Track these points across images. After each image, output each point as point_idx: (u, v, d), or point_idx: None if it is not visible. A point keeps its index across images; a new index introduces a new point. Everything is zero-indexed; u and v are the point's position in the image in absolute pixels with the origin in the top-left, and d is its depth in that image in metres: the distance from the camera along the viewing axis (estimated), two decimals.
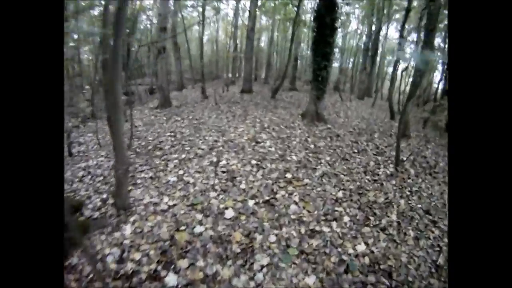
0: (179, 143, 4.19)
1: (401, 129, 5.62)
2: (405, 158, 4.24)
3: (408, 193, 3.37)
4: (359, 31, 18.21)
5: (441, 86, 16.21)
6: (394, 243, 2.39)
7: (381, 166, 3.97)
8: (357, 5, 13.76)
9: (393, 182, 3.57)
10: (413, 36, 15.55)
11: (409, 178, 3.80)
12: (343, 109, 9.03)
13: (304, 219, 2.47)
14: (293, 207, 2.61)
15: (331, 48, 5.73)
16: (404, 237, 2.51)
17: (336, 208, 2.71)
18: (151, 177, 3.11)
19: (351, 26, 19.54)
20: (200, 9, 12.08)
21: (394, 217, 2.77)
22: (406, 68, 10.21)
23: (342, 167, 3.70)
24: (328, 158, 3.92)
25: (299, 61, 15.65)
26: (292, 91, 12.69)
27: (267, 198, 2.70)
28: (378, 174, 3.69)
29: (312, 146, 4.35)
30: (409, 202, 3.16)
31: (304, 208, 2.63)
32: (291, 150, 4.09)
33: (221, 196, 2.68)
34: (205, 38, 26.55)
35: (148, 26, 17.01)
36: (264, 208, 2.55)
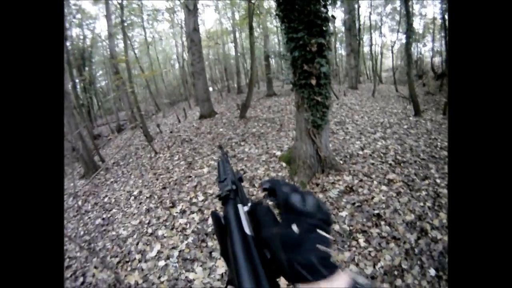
0: None
1: None
2: None
3: None
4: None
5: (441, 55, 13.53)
6: None
7: None
8: None
9: None
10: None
11: None
12: (345, 113, 6.23)
13: None
14: None
15: (323, 13, 2.41)
16: None
17: None
18: None
19: None
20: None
21: None
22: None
23: None
24: None
25: (271, 59, 12.83)
26: (269, 97, 9.87)
27: None
28: None
29: None
30: None
31: None
32: None
33: None
34: (161, 56, 23.44)
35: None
36: None
